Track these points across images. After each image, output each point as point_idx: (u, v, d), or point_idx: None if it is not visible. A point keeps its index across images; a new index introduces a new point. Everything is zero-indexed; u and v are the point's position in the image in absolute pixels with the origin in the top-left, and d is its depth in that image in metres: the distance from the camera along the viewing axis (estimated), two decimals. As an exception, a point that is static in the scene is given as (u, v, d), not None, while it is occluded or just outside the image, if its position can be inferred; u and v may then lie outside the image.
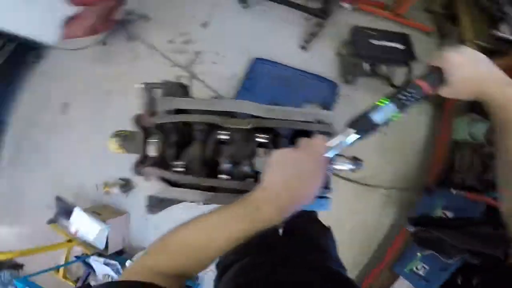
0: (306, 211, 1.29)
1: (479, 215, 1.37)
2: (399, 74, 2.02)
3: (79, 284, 2.18)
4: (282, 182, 0.43)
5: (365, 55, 1.75)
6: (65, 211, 2.11)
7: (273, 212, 0.42)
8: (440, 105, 1.94)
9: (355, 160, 0.71)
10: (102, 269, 1.95)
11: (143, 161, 0.73)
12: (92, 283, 1.95)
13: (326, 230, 0.98)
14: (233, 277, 0.66)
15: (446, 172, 1.68)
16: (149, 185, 0.66)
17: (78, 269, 2.33)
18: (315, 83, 2.04)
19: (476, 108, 1.62)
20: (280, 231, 1.04)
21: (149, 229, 2.23)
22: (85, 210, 2.01)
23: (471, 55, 0.48)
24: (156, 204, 0.67)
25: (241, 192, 0.62)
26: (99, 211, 2.14)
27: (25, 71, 2.67)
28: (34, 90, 2.68)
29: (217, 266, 0.88)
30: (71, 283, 2.19)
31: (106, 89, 2.44)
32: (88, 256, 2.07)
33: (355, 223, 1.90)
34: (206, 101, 0.64)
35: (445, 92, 0.51)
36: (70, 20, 2.24)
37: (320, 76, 2.05)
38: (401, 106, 0.47)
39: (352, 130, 0.47)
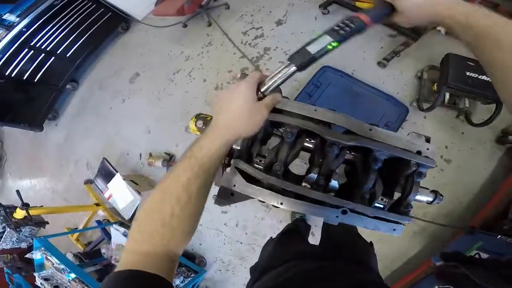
0: (347, 225, 1.24)
1: (518, 259, 1.25)
2: (480, 112, 1.80)
3: (87, 249, 2.22)
4: (217, 114, 0.48)
5: (454, 85, 1.58)
6: (106, 174, 2.17)
7: (209, 142, 0.46)
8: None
9: (436, 194, 0.67)
10: (119, 239, 1.94)
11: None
12: (103, 250, 1.95)
13: (368, 245, 0.96)
14: (264, 283, 0.67)
15: (496, 218, 1.62)
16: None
17: (93, 233, 2.43)
18: (384, 103, 1.91)
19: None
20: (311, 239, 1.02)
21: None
22: (124, 178, 2.06)
23: None
24: (226, 197, 0.68)
25: (320, 203, 0.61)
26: (136, 181, 2.19)
27: (111, 39, 3.00)
28: (112, 57, 3.00)
29: (252, 270, 0.89)
30: (80, 246, 2.28)
31: (175, 67, 2.61)
32: (110, 223, 2.10)
33: (378, 249, 1.80)
34: (306, 106, 0.62)
35: (398, 19, 0.53)
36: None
37: (391, 97, 1.91)
38: (336, 36, 0.48)
39: (288, 62, 0.49)
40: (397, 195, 0.66)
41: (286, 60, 0.50)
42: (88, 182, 2.42)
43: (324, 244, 1.08)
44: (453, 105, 1.82)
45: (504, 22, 0.42)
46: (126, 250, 0.42)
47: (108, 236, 2.10)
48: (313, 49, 0.48)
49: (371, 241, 0.98)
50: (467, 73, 1.57)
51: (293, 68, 0.49)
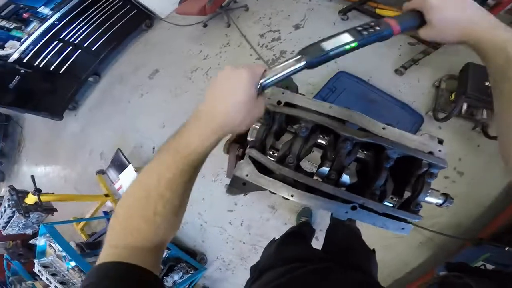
0: (351, 230, 1.24)
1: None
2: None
3: (90, 239, 2.22)
4: (206, 101, 0.42)
5: (473, 95, 1.55)
6: (119, 164, 2.18)
7: (199, 139, 0.40)
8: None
9: (447, 196, 0.66)
10: (124, 231, 1.99)
11: (236, 141, 0.79)
12: (106, 241, 2.02)
13: (370, 252, 0.95)
14: (265, 282, 0.66)
15: (505, 230, 1.57)
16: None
17: (99, 224, 2.47)
18: (399, 111, 1.88)
19: None
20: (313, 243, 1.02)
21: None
22: (136, 169, 2.06)
23: None
24: (238, 186, 0.69)
25: (330, 197, 0.62)
26: (149, 174, 2.24)
27: (134, 35, 3.13)
28: (134, 54, 3.11)
29: (252, 270, 0.90)
30: (84, 236, 2.29)
31: (193, 65, 2.68)
32: (117, 214, 2.14)
33: (383, 256, 1.74)
34: (321, 103, 0.65)
35: (425, 33, 0.47)
36: (187, -1, 2.53)
37: (407, 105, 1.89)
38: (357, 36, 0.42)
39: (299, 56, 0.42)
40: (407, 195, 0.66)
41: (296, 53, 0.43)
42: (100, 172, 2.48)
43: (327, 248, 1.08)
44: (470, 117, 1.77)
45: None
46: (107, 244, 0.39)
47: (113, 228, 2.15)
48: (328, 46, 0.42)
49: (373, 249, 0.98)
50: (487, 84, 1.53)
51: (303, 63, 0.42)
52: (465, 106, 1.75)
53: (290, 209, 1.97)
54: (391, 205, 0.65)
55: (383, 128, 0.60)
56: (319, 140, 0.69)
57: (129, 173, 2.08)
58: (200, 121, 0.41)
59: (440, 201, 0.67)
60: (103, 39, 2.83)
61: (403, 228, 0.64)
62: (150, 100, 2.75)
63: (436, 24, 0.45)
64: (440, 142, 0.63)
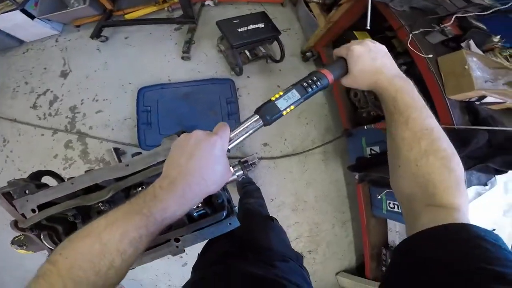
0: (247, 210, 1.29)
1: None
2: (276, 49, 2.12)
3: None
4: (178, 166, 0.41)
5: (239, 44, 1.78)
6: None
7: (170, 199, 0.39)
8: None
9: (240, 164, 0.73)
10: None
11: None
12: None
13: (267, 223, 0.95)
14: None
15: (352, 113, 1.84)
16: None
17: None
18: (213, 87, 2.02)
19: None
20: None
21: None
22: None
23: (371, 47, 0.52)
24: None
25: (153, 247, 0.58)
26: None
27: None
28: None
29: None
30: None
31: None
32: None
33: (315, 192, 2.01)
34: (62, 186, 0.57)
35: (345, 81, 0.56)
36: None
37: (214, 79, 2.05)
38: (304, 92, 0.51)
39: (257, 116, 0.49)
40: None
41: (253, 112, 0.49)
42: None
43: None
44: (256, 57, 2.09)
45: (422, 106, 0.46)
46: None
47: None
48: (281, 104, 0.48)
49: (272, 217, 0.98)
50: (239, 30, 1.79)
51: (260, 123, 0.48)
52: (247, 53, 2.05)
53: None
54: (204, 211, 0.64)
55: (127, 165, 0.57)
56: (102, 208, 0.62)
57: None
58: (177, 187, 0.40)
59: (240, 172, 0.69)
60: None
61: (230, 223, 0.62)
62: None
63: (355, 74, 0.53)
64: (178, 134, 0.63)
